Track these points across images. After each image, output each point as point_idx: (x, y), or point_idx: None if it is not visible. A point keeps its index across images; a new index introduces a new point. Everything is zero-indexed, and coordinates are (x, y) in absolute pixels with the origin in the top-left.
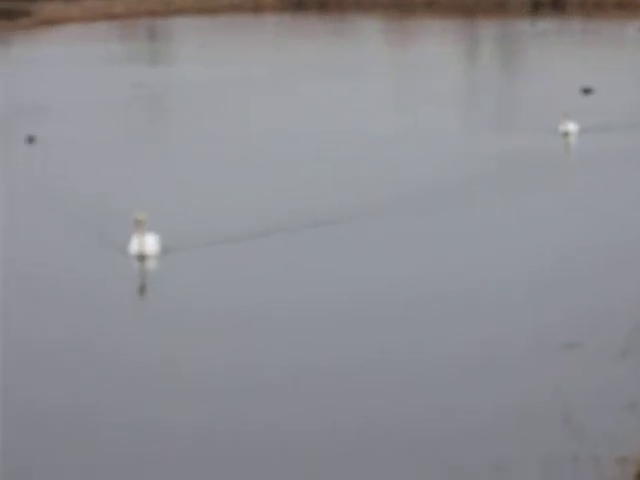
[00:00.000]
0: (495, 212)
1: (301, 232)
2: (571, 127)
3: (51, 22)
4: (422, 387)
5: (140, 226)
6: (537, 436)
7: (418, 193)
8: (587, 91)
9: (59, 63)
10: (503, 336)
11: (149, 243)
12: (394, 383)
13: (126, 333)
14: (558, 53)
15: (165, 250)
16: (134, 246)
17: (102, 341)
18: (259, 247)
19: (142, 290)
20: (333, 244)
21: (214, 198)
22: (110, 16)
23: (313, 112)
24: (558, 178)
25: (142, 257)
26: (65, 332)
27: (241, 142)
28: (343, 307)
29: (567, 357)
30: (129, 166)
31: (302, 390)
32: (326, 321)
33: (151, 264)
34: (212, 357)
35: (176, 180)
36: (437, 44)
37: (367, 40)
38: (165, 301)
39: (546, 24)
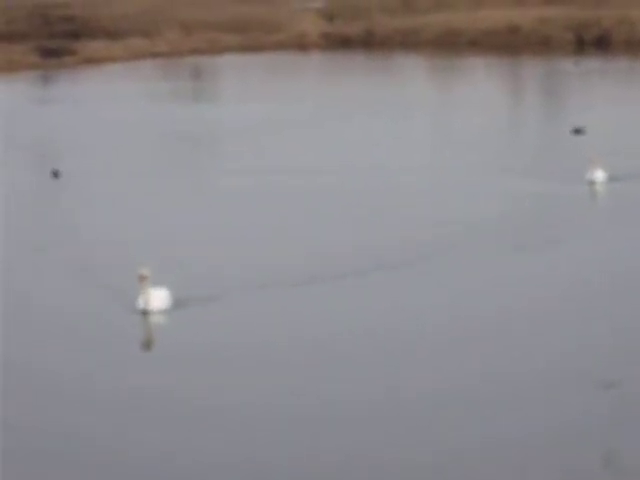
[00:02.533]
0: (511, 262)
1: (327, 282)
2: (599, 175)
3: (95, 60)
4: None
5: (144, 281)
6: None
7: (430, 236)
8: (578, 131)
9: (101, 101)
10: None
11: (156, 298)
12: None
13: (126, 384)
14: (601, 93)
15: (177, 304)
16: (139, 302)
17: (98, 390)
18: (281, 297)
19: (146, 346)
20: (367, 293)
21: (240, 242)
22: (154, 54)
23: (350, 149)
24: (575, 230)
25: (146, 313)
26: (63, 382)
27: (277, 179)
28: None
29: (606, 395)
30: (154, 206)
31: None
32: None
33: (158, 319)
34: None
35: (201, 221)
36: (480, 82)
37: (411, 78)
38: (169, 358)
39: (591, 63)
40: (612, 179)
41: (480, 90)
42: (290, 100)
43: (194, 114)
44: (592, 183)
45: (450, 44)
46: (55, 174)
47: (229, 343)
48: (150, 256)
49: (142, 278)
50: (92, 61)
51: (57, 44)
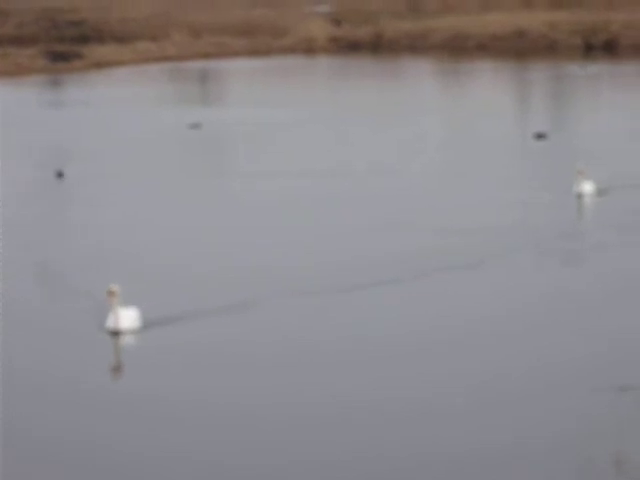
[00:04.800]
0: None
1: (327, 294)
2: (586, 187)
3: (104, 64)
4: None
5: (113, 298)
6: None
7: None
8: (540, 136)
9: (109, 104)
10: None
11: (125, 318)
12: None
13: (92, 422)
14: (606, 98)
15: (148, 324)
16: (108, 320)
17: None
18: (260, 319)
19: (115, 371)
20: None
21: (229, 254)
22: (162, 58)
23: (353, 152)
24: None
25: (116, 333)
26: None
27: (281, 184)
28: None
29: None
30: (151, 212)
31: None
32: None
33: (127, 341)
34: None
35: (192, 229)
36: (486, 87)
37: (418, 82)
38: (136, 386)
39: (598, 67)
40: (602, 192)
41: (485, 95)
42: (298, 104)
43: (201, 118)
44: (579, 196)
45: (458, 48)
46: (59, 175)
47: (190, 380)
48: (132, 266)
49: (111, 294)
50: (100, 65)
51: (65, 48)
